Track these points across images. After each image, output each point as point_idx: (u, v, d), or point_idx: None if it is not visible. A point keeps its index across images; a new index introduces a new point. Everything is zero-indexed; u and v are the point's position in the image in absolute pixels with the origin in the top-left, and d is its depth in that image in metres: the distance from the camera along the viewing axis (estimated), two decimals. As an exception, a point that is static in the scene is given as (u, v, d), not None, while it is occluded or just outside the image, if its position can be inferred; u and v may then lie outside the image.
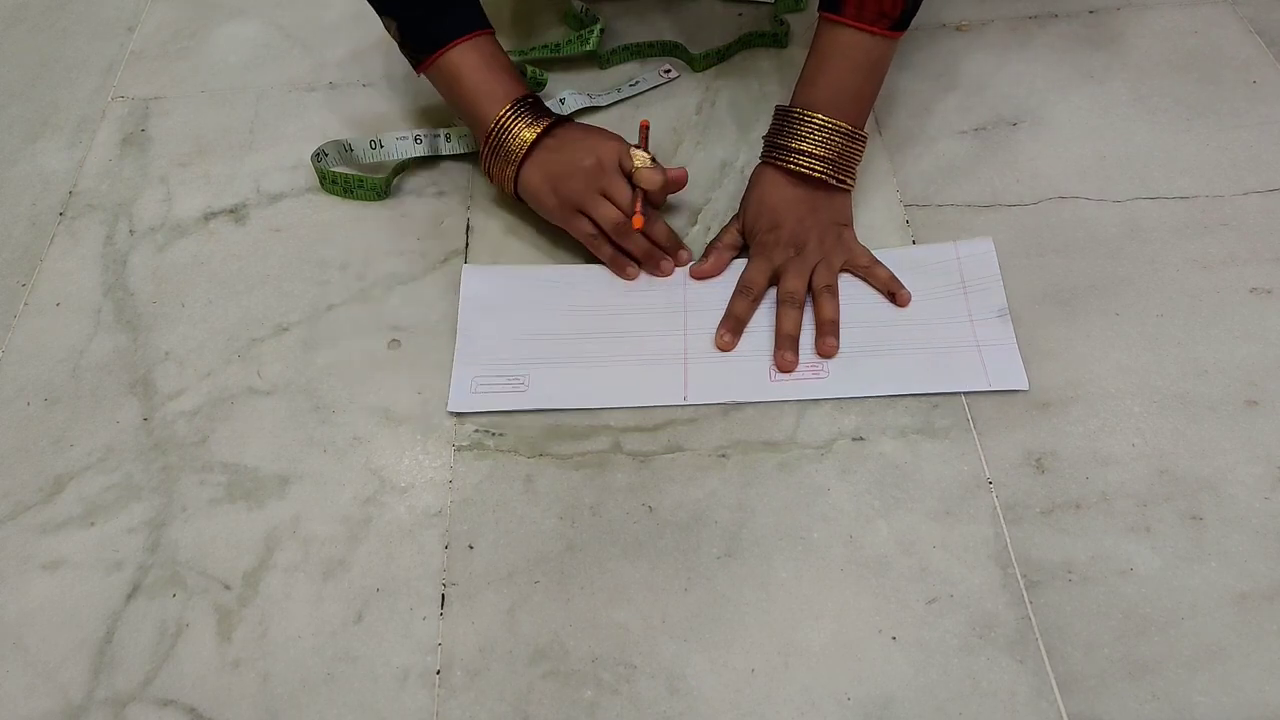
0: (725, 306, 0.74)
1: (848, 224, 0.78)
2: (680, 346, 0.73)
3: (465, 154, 0.87)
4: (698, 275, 0.77)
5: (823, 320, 0.73)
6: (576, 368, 0.72)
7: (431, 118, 0.91)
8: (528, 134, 0.75)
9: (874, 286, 0.75)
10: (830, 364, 0.71)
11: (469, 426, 0.70)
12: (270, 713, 0.59)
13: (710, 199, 0.83)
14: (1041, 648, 0.59)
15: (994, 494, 0.65)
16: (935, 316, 0.73)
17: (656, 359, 0.72)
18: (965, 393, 0.69)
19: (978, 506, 0.64)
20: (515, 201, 0.80)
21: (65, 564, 0.65)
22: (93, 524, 0.67)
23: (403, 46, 0.79)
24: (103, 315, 0.78)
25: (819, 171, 0.74)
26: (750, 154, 0.86)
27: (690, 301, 0.75)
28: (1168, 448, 0.66)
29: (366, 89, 0.94)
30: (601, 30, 0.94)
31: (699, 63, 0.94)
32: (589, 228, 0.76)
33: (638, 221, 0.73)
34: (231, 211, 0.85)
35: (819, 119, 0.74)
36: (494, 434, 0.70)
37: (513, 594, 0.62)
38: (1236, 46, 0.92)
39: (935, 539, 0.63)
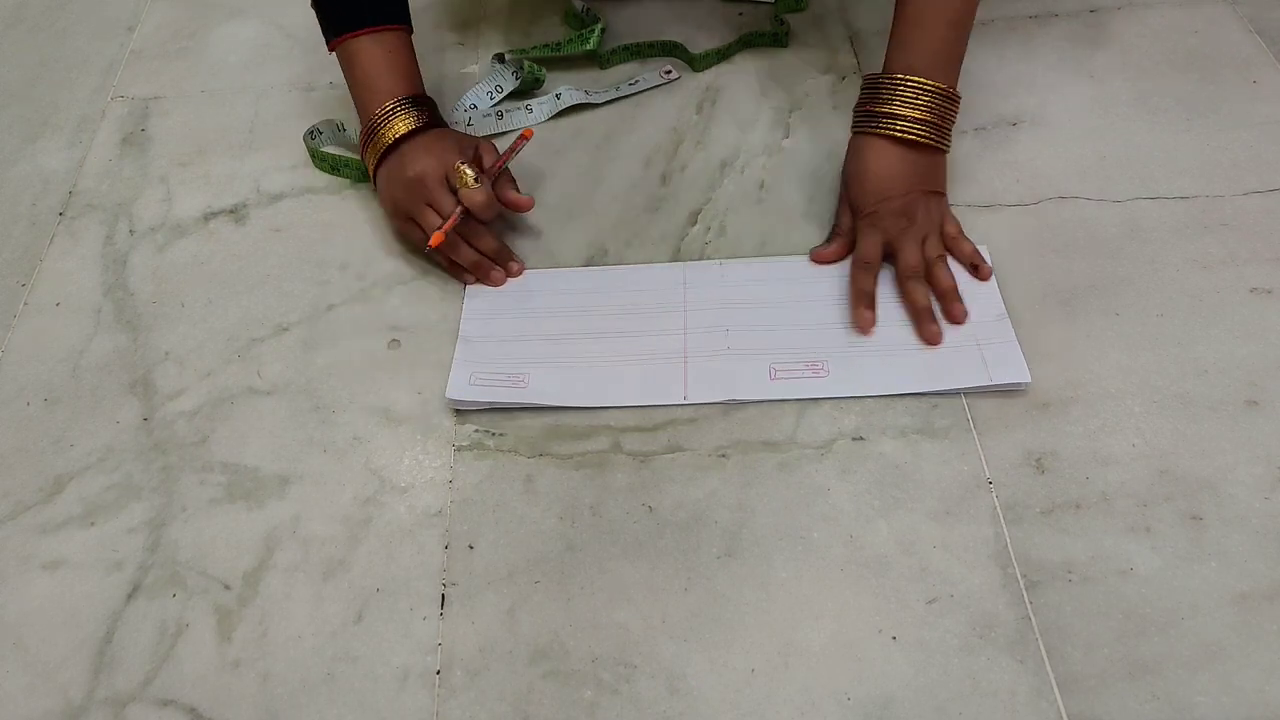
0: (723, 306, 0.74)
1: (944, 190, 0.78)
2: (680, 346, 0.73)
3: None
4: (819, 259, 0.77)
5: (943, 290, 0.73)
6: (577, 367, 0.72)
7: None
8: (392, 132, 0.76)
9: (957, 258, 0.76)
10: (830, 363, 0.71)
11: (469, 426, 0.70)
12: (270, 713, 0.59)
13: (711, 199, 0.83)
14: (1041, 648, 0.59)
15: (994, 494, 0.65)
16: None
17: (656, 358, 0.72)
18: (966, 390, 0.69)
19: (978, 506, 0.64)
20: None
21: (65, 564, 0.65)
22: (93, 524, 0.67)
23: (320, 21, 0.80)
24: (103, 315, 0.78)
25: (923, 136, 0.74)
26: (750, 154, 0.86)
27: (690, 301, 0.76)
28: (1168, 448, 0.66)
29: (366, 89, 0.94)
30: (602, 30, 0.94)
31: (699, 62, 0.94)
32: (417, 236, 0.77)
33: (435, 239, 0.73)
34: (231, 211, 0.85)
35: (916, 81, 0.74)
36: (494, 434, 0.70)
37: (513, 594, 0.62)
38: (1236, 46, 0.92)
39: (935, 539, 0.63)
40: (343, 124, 0.87)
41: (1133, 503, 0.64)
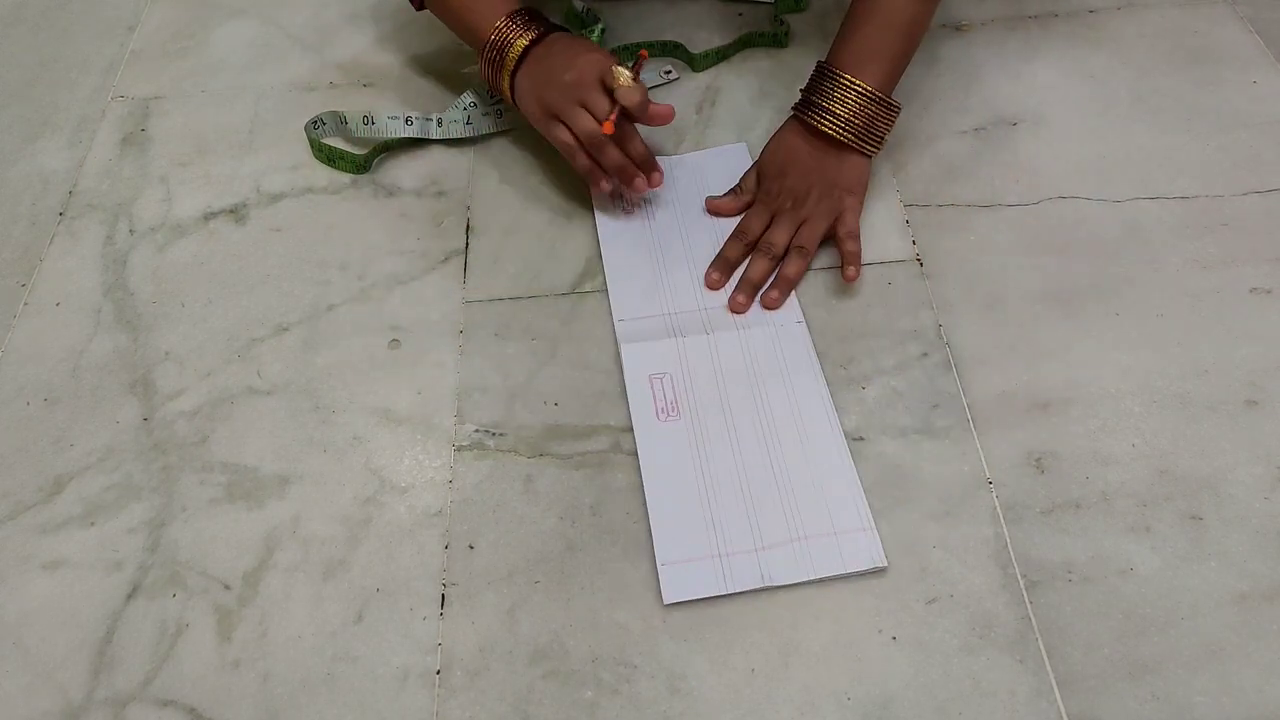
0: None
1: (855, 192, 0.78)
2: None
3: (463, 146, 0.87)
4: (711, 209, 0.81)
5: (780, 275, 0.76)
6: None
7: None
8: (520, 42, 0.78)
9: (838, 249, 0.77)
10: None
11: (469, 426, 0.70)
12: (270, 713, 0.59)
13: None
14: (1041, 648, 0.59)
15: (994, 494, 0.65)
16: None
17: None
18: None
19: (978, 506, 0.64)
20: (514, 107, 0.82)
21: (65, 564, 0.65)
22: (93, 524, 0.67)
23: None
24: (103, 315, 0.78)
25: (837, 132, 0.76)
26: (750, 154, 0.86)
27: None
28: (1168, 448, 0.66)
29: (366, 89, 0.94)
30: (603, 30, 0.94)
31: (699, 62, 0.94)
32: (566, 136, 0.77)
33: (607, 127, 0.74)
34: (231, 211, 0.85)
35: (846, 79, 0.76)
36: (494, 434, 0.70)
37: (513, 594, 0.62)
38: (1236, 46, 0.92)
39: (935, 539, 0.63)
40: (345, 117, 0.87)
41: (1133, 503, 0.64)
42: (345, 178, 0.87)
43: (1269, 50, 0.91)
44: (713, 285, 0.76)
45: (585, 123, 0.75)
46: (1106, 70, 0.91)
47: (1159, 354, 0.71)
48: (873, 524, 0.63)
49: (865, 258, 0.77)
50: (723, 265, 0.77)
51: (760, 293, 0.75)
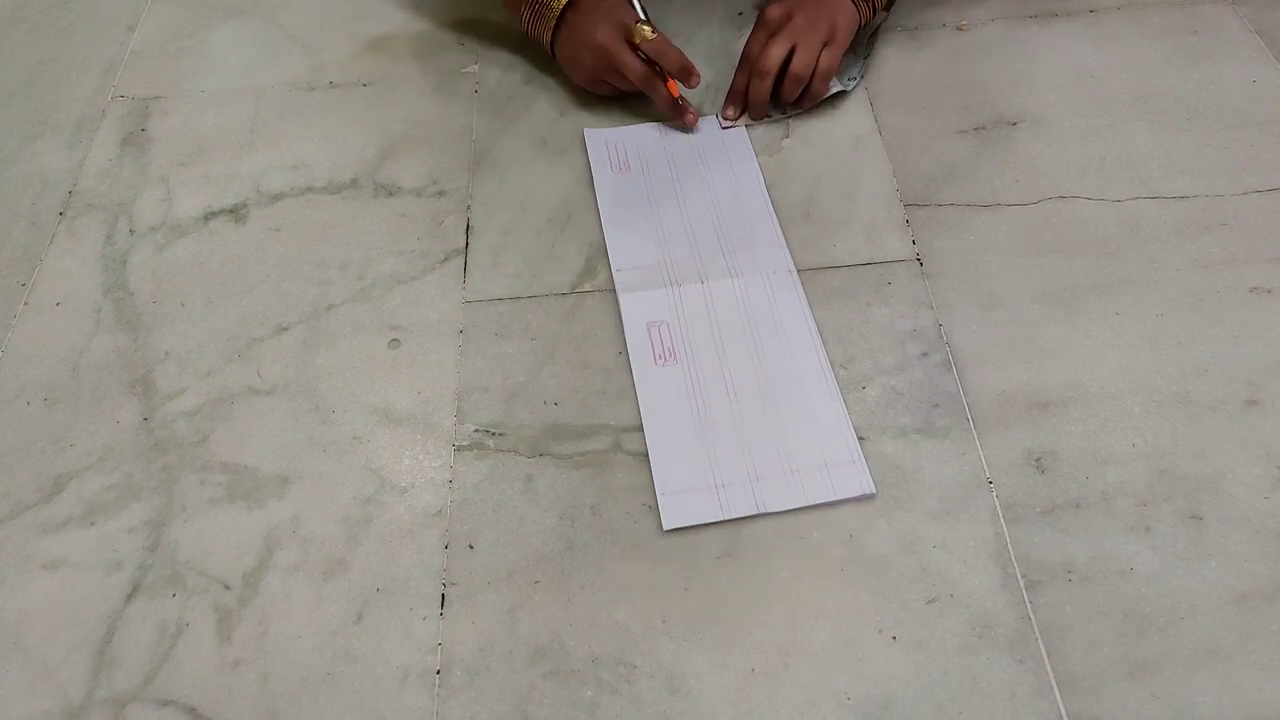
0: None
1: (837, 37, 0.85)
2: None
3: (463, 146, 0.87)
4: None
5: (788, 71, 0.85)
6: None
7: (432, 114, 0.91)
8: (556, 6, 0.86)
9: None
10: None
11: (469, 426, 0.70)
12: (270, 713, 0.59)
13: (710, 199, 0.83)
14: (1041, 648, 0.59)
15: (994, 494, 0.65)
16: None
17: None
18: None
19: (978, 506, 0.64)
20: (552, 59, 0.90)
21: (65, 564, 0.65)
22: (93, 524, 0.67)
23: None
24: (103, 315, 0.78)
25: None
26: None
27: None
28: (1168, 448, 0.66)
29: (366, 89, 0.94)
30: None
31: None
32: (608, 89, 0.88)
33: (673, 87, 0.85)
34: (231, 211, 0.85)
35: None
36: (494, 433, 0.70)
37: (513, 594, 0.62)
38: (1236, 46, 0.92)
39: (935, 539, 0.63)
40: None
41: (1133, 502, 0.64)
42: (345, 177, 0.87)
43: (1269, 50, 0.91)
44: (729, 118, 0.87)
45: (625, 83, 0.86)
46: (1106, 70, 0.91)
47: (1159, 354, 0.71)
48: (861, 456, 0.66)
49: (865, 257, 0.77)
50: (734, 98, 0.87)
51: (750, 110, 0.87)
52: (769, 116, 0.88)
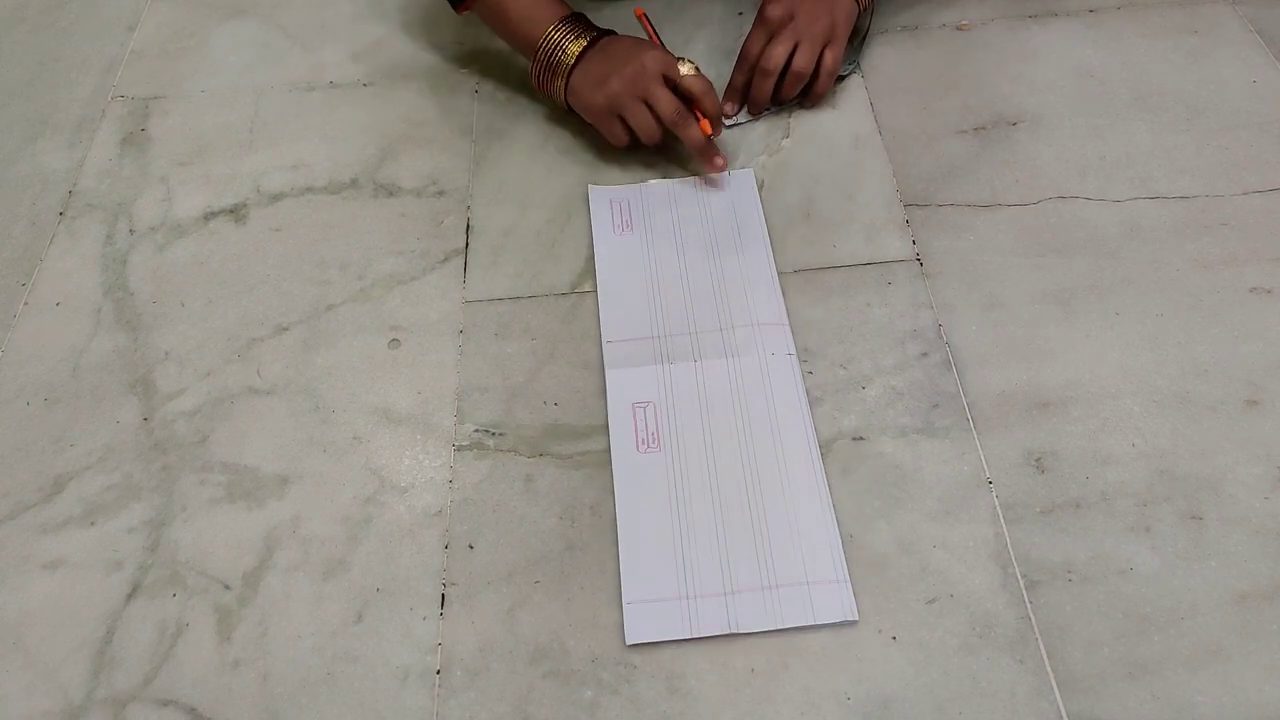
0: None
1: (838, 32, 0.85)
2: None
3: (463, 145, 0.87)
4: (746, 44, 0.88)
5: (790, 69, 0.84)
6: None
7: (432, 114, 0.91)
8: (574, 47, 0.82)
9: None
10: None
11: (469, 426, 0.70)
12: (270, 713, 0.59)
13: (710, 199, 0.83)
14: (1041, 648, 0.59)
15: (994, 494, 0.65)
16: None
17: None
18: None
19: (978, 506, 0.64)
20: (567, 113, 0.86)
21: (65, 564, 0.65)
22: (93, 524, 0.67)
23: None
24: (103, 315, 0.78)
25: None
26: (750, 154, 0.86)
27: None
28: (1168, 448, 0.66)
29: (366, 89, 0.94)
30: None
31: None
32: (622, 134, 0.82)
33: (705, 127, 0.80)
34: (231, 211, 0.85)
35: None
36: (494, 433, 0.70)
37: (513, 594, 0.62)
38: (1236, 46, 0.92)
39: (935, 539, 0.63)
40: None
41: (1133, 502, 0.64)
42: (345, 177, 0.87)
43: (1269, 50, 0.91)
44: (729, 114, 0.87)
45: (644, 121, 0.80)
46: (1106, 70, 0.91)
47: (1159, 354, 0.71)
48: (847, 576, 0.61)
49: (865, 258, 0.77)
50: (733, 95, 0.87)
51: (749, 103, 0.87)
52: (769, 110, 0.88)
